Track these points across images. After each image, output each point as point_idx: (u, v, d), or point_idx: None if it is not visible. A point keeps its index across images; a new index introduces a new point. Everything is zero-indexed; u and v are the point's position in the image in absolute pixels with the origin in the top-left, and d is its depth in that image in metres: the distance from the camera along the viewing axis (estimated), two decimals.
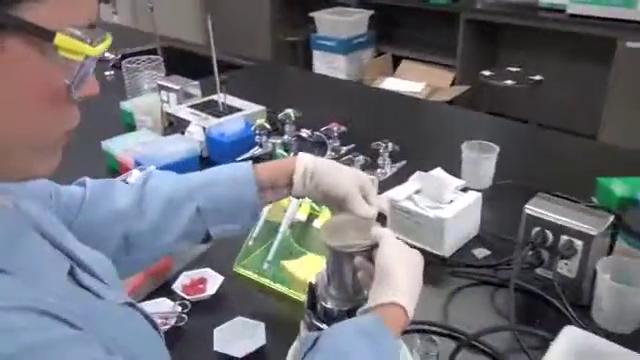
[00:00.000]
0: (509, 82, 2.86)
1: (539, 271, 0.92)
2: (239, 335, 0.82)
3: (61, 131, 0.45)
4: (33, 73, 0.40)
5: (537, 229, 0.89)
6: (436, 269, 0.99)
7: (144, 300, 0.90)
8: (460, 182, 1.22)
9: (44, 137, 0.44)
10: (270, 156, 1.26)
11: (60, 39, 0.40)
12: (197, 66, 1.92)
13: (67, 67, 0.42)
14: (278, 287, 0.93)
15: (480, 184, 1.24)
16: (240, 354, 0.78)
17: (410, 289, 0.61)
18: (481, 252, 1.02)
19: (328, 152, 0.95)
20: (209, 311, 0.89)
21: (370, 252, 0.65)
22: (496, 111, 2.48)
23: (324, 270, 0.69)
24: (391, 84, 3.47)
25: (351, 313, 0.66)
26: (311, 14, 3.71)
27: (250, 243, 0.97)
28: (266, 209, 0.94)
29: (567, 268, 0.88)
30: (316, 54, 3.79)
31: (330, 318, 0.67)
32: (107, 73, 2.10)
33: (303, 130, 1.00)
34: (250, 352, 0.79)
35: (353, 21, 3.63)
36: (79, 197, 0.69)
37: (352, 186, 0.70)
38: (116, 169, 1.32)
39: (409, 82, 3.45)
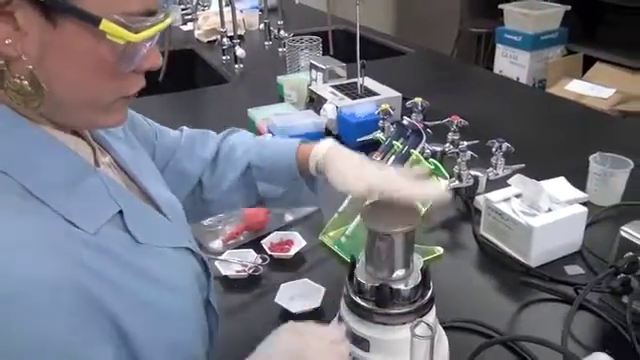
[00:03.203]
0: None
1: (635, 305, 0.83)
2: (300, 294, 0.90)
3: (117, 96, 0.53)
4: (87, 50, 0.49)
5: (629, 254, 0.81)
6: (516, 277, 0.95)
7: (237, 248, 1.03)
8: (580, 195, 1.14)
9: (102, 100, 0.53)
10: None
11: (105, 25, 0.47)
12: (362, 50, 2.02)
13: (116, 47, 0.49)
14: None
15: (605, 201, 1.14)
16: (295, 310, 0.86)
17: None
18: (574, 270, 0.96)
19: (422, 142, 0.96)
20: (284, 269, 0.98)
21: (407, 235, 0.68)
22: None
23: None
24: (576, 86, 3.19)
25: (379, 289, 0.69)
26: (501, 6, 3.56)
27: (336, 216, 1.03)
28: None
29: None
30: (499, 48, 3.63)
31: (361, 291, 0.71)
32: (280, 50, 2.30)
33: (405, 118, 1.03)
34: (304, 310, 0.87)
35: (544, 15, 3.40)
36: (177, 140, 0.83)
37: (351, 185, 0.72)
38: (255, 133, 1.48)
39: (597, 86, 3.14)
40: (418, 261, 0.73)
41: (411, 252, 0.72)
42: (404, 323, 0.70)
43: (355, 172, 0.73)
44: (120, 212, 0.55)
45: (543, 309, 0.89)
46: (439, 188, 0.72)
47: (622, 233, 0.83)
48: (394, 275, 0.70)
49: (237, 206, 0.88)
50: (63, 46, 0.48)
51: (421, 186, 0.71)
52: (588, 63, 3.42)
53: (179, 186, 0.79)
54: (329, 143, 0.78)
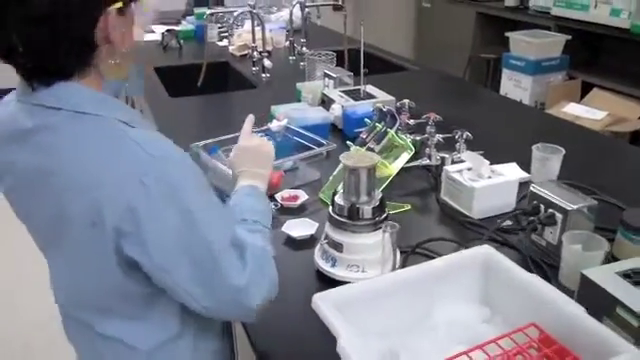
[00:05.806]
0: None
1: (534, 237, 1.16)
2: (300, 227, 1.24)
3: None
4: (136, 17, 0.86)
5: (534, 202, 1.14)
6: (462, 226, 1.28)
7: None
8: (524, 174, 1.47)
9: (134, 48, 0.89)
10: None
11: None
12: (371, 65, 2.38)
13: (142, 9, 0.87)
14: None
15: (543, 179, 1.45)
16: (295, 235, 1.21)
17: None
18: (505, 222, 1.28)
19: (397, 124, 1.30)
20: (291, 213, 1.33)
21: (369, 170, 1.02)
22: None
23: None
24: (572, 109, 3.50)
25: (350, 209, 1.03)
26: (507, 34, 3.90)
27: (330, 179, 1.37)
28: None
29: (551, 236, 1.11)
30: (505, 72, 3.96)
31: (339, 210, 1.05)
32: (302, 64, 2.67)
33: (384, 106, 1.36)
34: (302, 235, 1.21)
35: (546, 44, 3.72)
36: None
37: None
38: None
39: (591, 109, 3.44)
40: (378, 193, 1.07)
41: (373, 184, 1.06)
42: (366, 232, 1.04)
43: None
44: None
45: (476, 245, 1.21)
46: None
47: (531, 188, 1.15)
48: (360, 199, 1.04)
49: None
50: (131, 20, 0.85)
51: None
52: (588, 89, 3.72)
53: None
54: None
